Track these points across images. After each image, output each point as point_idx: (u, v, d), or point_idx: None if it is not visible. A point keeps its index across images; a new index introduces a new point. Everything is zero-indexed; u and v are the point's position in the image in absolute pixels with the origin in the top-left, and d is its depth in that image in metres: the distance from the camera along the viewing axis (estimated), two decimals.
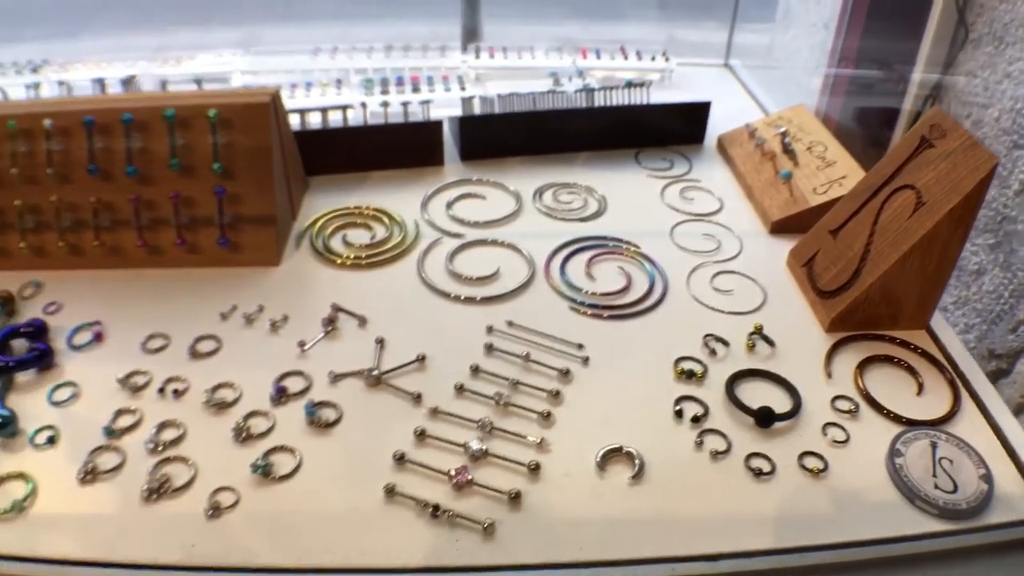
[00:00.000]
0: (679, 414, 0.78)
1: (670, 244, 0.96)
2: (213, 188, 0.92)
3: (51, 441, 0.78)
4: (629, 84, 1.06)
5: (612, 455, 0.74)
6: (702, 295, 0.90)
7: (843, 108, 1.37)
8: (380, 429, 0.77)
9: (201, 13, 1.86)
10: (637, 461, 0.73)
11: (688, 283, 0.92)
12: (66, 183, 0.94)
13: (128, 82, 1.17)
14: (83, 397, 0.82)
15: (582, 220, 0.99)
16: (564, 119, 1.08)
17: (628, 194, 1.04)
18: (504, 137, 1.08)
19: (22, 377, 0.85)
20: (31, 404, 0.80)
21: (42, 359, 0.85)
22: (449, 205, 1.02)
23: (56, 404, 0.82)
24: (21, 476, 0.74)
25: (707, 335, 0.86)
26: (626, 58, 1.22)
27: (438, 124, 1.06)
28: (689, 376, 0.82)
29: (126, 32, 1.52)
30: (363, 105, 1.07)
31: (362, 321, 0.87)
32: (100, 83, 1.20)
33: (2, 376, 0.84)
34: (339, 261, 0.95)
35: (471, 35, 1.73)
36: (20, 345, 0.88)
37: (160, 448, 0.76)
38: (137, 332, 0.88)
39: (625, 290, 0.90)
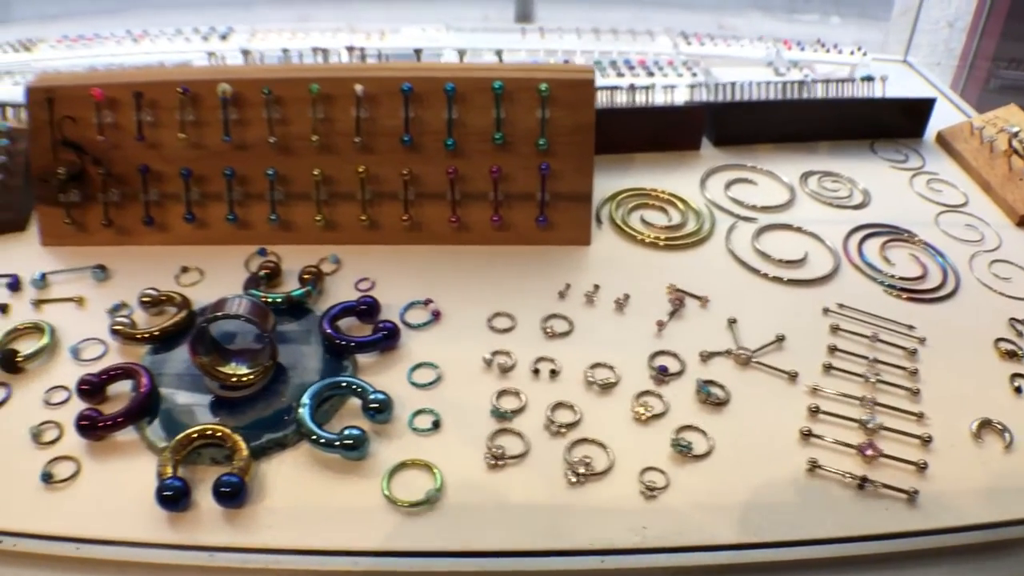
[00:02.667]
0: (1018, 390, 0.84)
1: (939, 233, 1.02)
2: (533, 164, 0.91)
3: (435, 426, 0.76)
4: (868, 78, 1.11)
5: (983, 427, 0.80)
6: (989, 282, 0.97)
7: (978, 106, 1.45)
8: (770, 406, 0.79)
9: None
10: (1006, 434, 0.79)
11: (971, 270, 0.98)
12: (371, 153, 0.90)
13: (321, 54, 1.12)
14: (448, 378, 0.80)
15: (855, 208, 1.04)
16: (806, 109, 1.11)
17: (880, 183, 1.09)
18: (756, 124, 1.11)
19: (362, 358, 0.82)
20: (389, 386, 0.78)
21: (390, 338, 0.82)
22: (727, 187, 1.05)
23: (419, 386, 0.80)
24: (421, 465, 0.72)
25: (1011, 319, 0.92)
26: (828, 51, 1.28)
27: (701, 109, 1.07)
28: (1011, 356, 0.88)
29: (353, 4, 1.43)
30: (612, 89, 1.06)
31: (704, 301, 0.88)
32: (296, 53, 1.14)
33: (347, 356, 0.81)
34: (639, 238, 0.96)
35: (524, 17, 1.74)
36: (348, 323, 0.84)
37: (563, 430, 0.75)
38: (472, 310, 0.87)
39: (923, 276, 0.95)
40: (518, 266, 0.92)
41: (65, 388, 0.80)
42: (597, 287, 0.89)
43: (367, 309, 0.83)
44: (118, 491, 0.71)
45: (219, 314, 0.74)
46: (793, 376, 0.81)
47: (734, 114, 1.09)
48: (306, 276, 0.87)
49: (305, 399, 0.75)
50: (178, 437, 0.72)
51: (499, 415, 0.76)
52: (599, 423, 0.76)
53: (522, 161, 0.91)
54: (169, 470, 0.70)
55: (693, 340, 0.85)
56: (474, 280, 0.90)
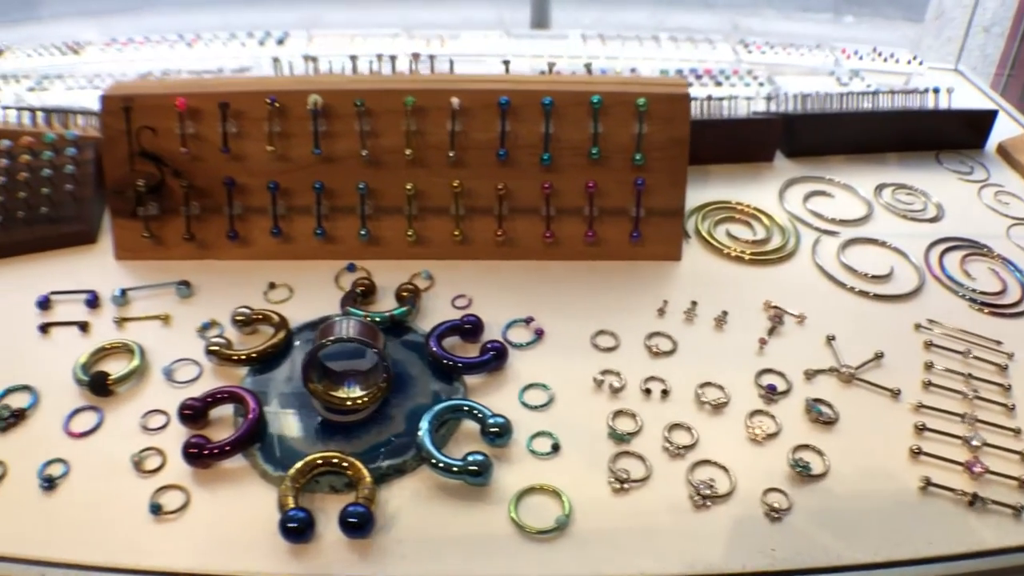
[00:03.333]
0: None
1: (1011, 246, 1.02)
2: (627, 179, 0.89)
3: (555, 449, 0.74)
4: (936, 90, 1.12)
5: None
6: None
7: None
8: (877, 424, 0.79)
9: None
10: None
11: None
12: (463, 167, 0.88)
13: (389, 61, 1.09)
14: (559, 399, 0.79)
15: (930, 221, 1.04)
16: (874, 120, 1.11)
17: (949, 196, 1.09)
18: (827, 135, 1.10)
19: (469, 379, 0.80)
20: (500, 408, 0.76)
21: (500, 359, 0.80)
22: (806, 199, 1.04)
23: (531, 407, 0.78)
24: (549, 490, 0.71)
25: None
26: (884, 60, 1.27)
27: (778, 120, 1.06)
28: None
29: (369, 5, 1.39)
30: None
31: (800, 318, 0.87)
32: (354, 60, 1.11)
33: (456, 377, 0.79)
34: (726, 252, 0.95)
35: (540, 23, 1.72)
36: (450, 343, 0.82)
37: (681, 451, 0.74)
38: (573, 328, 0.85)
39: (1003, 291, 0.95)
40: (611, 282, 0.91)
41: (163, 412, 0.77)
42: (695, 303, 0.88)
43: (472, 328, 0.81)
44: (233, 522, 0.68)
45: (331, 338, 0.72)
46: (896, 393, 0.81)
47: (807, 125, 1.08)
48: (404, 293, 0.85)
49: (424, 423, 0.72)
50: (298, 465, 0.69)
51: (618, 437, 0.75)
52: (715, 444, 0.75)
53: (616, 176, 0.89)
54: (291, 500, 0.67)
55: (794, 357, 0.84)
56: (569, 297, 0.88)
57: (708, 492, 0.71)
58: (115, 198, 0.91)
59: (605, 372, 0.80)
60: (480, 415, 0.74)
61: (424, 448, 0.71)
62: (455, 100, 0.85)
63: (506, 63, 1.05)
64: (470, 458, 0.70)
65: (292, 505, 0.67)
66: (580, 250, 0.91)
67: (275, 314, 0.82)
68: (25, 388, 0.80)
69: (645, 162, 0.89)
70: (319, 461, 0.69)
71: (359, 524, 0.66)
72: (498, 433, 0.73)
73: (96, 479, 0.72)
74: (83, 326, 0.85)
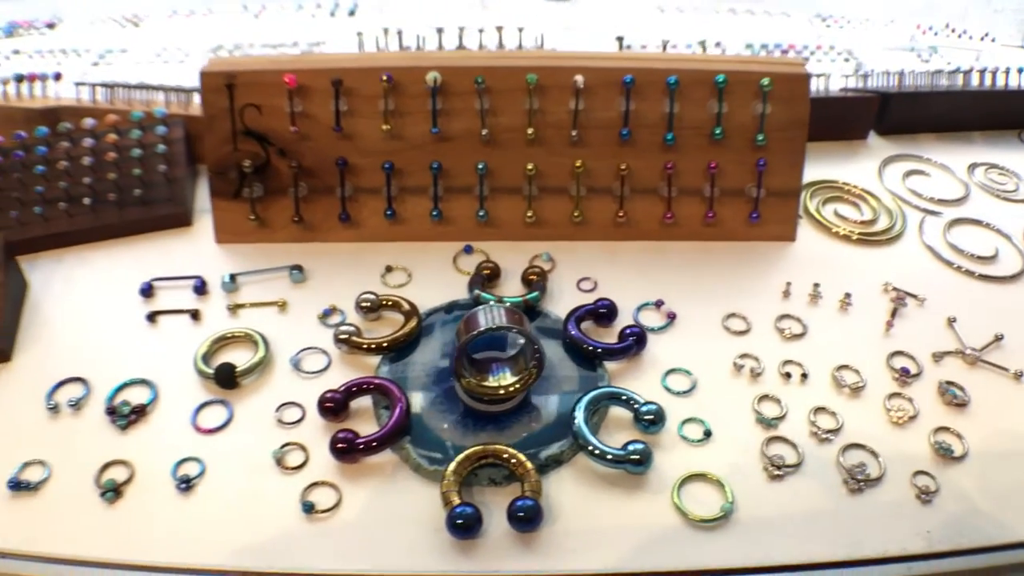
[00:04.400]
0: None
1: None
2: (746, 159, 0.86)
3: (707, 435, 0.72)
4: (1021, 70, 1.10)
5: None
6: None
7: None
8: (1006, 406, 0.77)
9: None
10: None
11: None
12: (583, 147, 0.85)
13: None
14: (701, 384, 0.76)
15: (1022, 202, 1.03)
16: (963, 98, 1.09)
17: None
18: (917, 113, 1.08)
19: (609, 364, 0.78)
20: (643, 393, 0.73)
21: (640, 344, 0.77)
22: (904, 178, 1.02)
23: (675, 393, 0.75)
24: (708, 477, 0.69)
25: None
26: (958, 36, 1.25)
27: (875, 98, 1.04)
28: None
29: None
30: None
31: (920, 300, 0.86)
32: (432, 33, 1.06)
33: (598, 363, 0.76)
34: (834, 231, 0.93)
35: None
36: (584, 327, 0.79)
37: (829, 436, 0.73)
38: (702, 311, 0.83)
39: None
40: (731, 263, 0.88)
41: (297, 405, 0.73)
42: (817, 285, 0.86)
43: (607, 312, 0.78)
44: (391, 519, 0.65)
45: (482, 328, 0.68)
46: (1018, 376, 0.80)
47: (902, 103, 1.06)
48: (531, 276, 0.81)
49: (579, 412, 0.70)
50: (459, 459, 0.66)
51: (766, 422, 0.73)
52: (859, 427, 0.73)
53: (735, 156, 0.86)
54: (456, 496, 0.64)
55: (919, 339, 0.82)
56: (692, 278, 0.86)
57: (861, 476, 0.70)
58: (217, 179, 0.85)
59: (743, 356, 0.78)
60: (633, 402, 0.71)
61: (582, 437, 0.68)
62: (579, 78, 0.81)
63: (620, 39, 1.01)
64: (631, 447, 0.67)
65: (458, 500, 0.64)
66: (698, 231, 0.88)
67: (404, 300, 0.78)
68: (142, 382, 0.75)
69: (766, 143, 0.86)
70: (482, 453, 0.66)
71: (529, 518, 0.63)
72: (652, 421, 0.70)
73: (236, 478, 0.68)
74: (194, 314, 0.80)
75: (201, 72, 0.83)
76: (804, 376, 0.77)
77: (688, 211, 0.87)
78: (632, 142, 0.84)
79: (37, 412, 0.74)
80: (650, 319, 0.81)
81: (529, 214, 0.85)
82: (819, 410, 0.74)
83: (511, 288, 0.83)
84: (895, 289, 0.86)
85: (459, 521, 0.63)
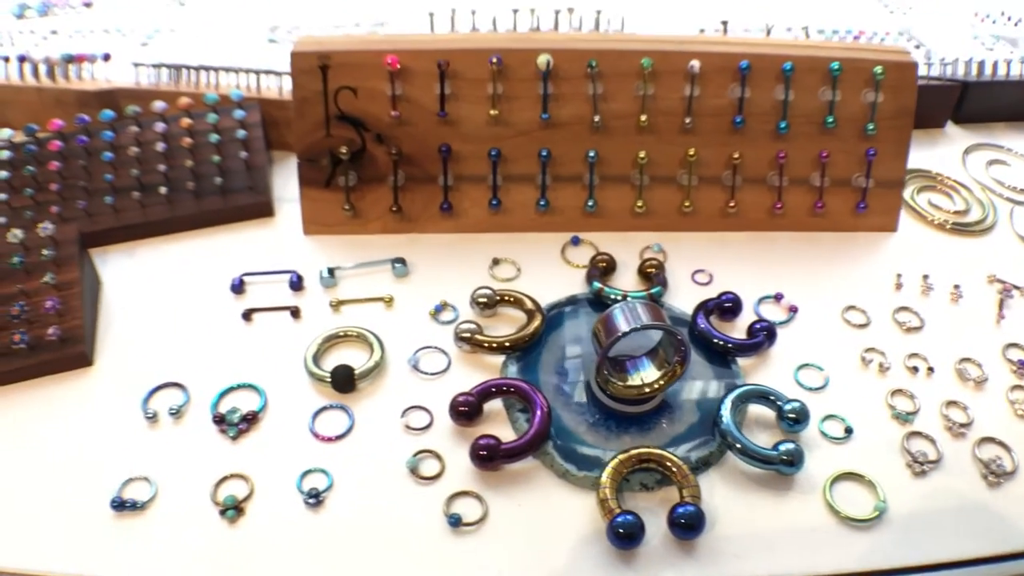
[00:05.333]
0: None
1: None
2: (854, 148, 0.83)
3: (848, 432, 0.69)
4: None
5: None
6: None
7: None
8: None
9: None
10: None
11: None
12: (694, 134, 0.81)
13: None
14: (833, 379, 0.73)
15: None
16: None
17: None
18: (993, 102, 1.06)
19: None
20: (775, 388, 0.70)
21: (771, 339, 0.74)
22: (987, 167, 1.00)
23: (809, 389, 0.72)
24: (857, 476, 0.66)
25: None
26: (1015, 25, 1.24)
27: (957, 87, 1.02)
28: None
29: None
30: None
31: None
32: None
33: (730, 359, 0.72)
34: (929, 219, 0.91)
35: None
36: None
37: (963, 430, 0.70)
38: (817, 303, 0.80)
39: None
40: (837, 254, 0.85)
41: (423, 409, 0.68)
42: (926, 277, 0.83)
43: (731, 307, 0.75)
44: (541, 530, 0.61)
45: (626, 329, 0.63)
46: None
47: (981, 92, 1.04)
48: (649, 269, 0.77)
49: (725, 411, 0.66)
50: (613, 464, 0.62)
51: (901, 417, 0.71)
52: (987, 420, 0.71)
53: (844, 145, 0.83)
54: (615, 504, 0.60)
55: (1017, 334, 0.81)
56: (803, 269, 0.82)
57: (998, 470, 0.68)
58: (307, 167, 0.79)
59: (869, 350, 0.75)
60: (777, 400, 0.68)
61: (731, 436, 0.65)
62: (695, 63, 0.77)
63: (724, 23, 0.96)
64: (782, 447, 0.64)
65: (618, 508, 0.60)
66: (805, 221, 0.85)
67: (526, 296, 0.74)
68: (249, 387, 0.69)
69: (876, 132, 0.83)
70: (637, 458, 0.62)
71: (691, 524, 0.60)
72: (796, 419, 0.67)
73: (368, 490, 0.63)
74: (294, 312, 0.75)
75: (292, 52, 0.77)
76: (931, 370, 0.75)
77: (796, 201, 0.84)
78: (744, 130, 0.81)
79: (133, 422, 0.67)
80: (770, 312, 0.78)
81: (639, 204, 0.81)
82: (950, 404, 0.72)
83: (624, 281, 0.79)
84: (999, 280, 0.85)
85: (621, 530, 0.59)
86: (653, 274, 0.77)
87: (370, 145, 0.79)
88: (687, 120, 0.79)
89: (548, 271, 0.79)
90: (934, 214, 0.92)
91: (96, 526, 0.60)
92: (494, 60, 0.76)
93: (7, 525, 0.60)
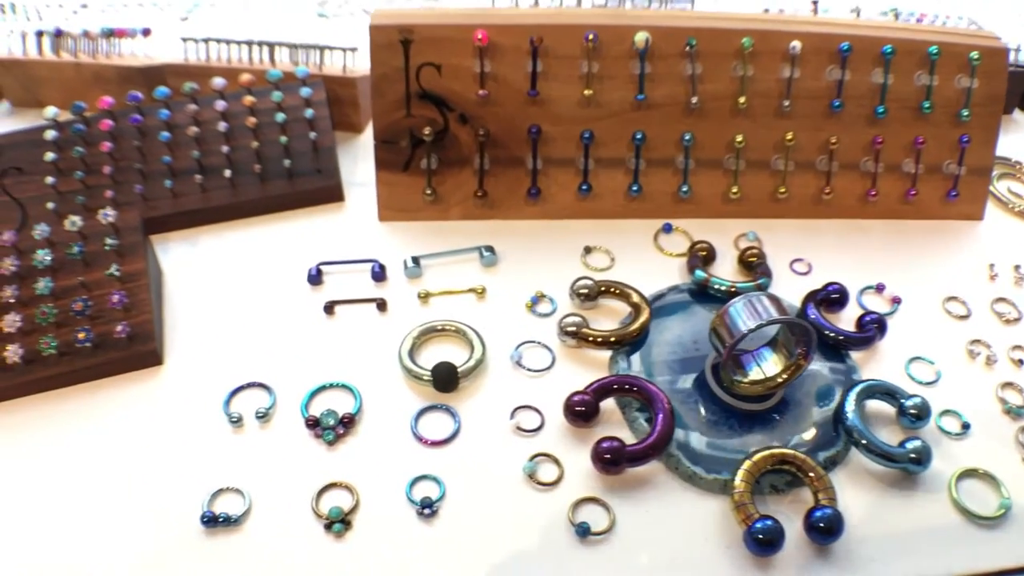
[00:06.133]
0: None
1: None
2: (946, 134, 0.80)
3: (965, 428, 0.66)
4: None
5: None
6: None
7: None
8: None
9: None
10: None
11: None
12: (789, 118, 0.77)
13: None
14: (945, 373, 0.70)
15: None
16: None
17: None
18: None
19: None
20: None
21: (883, 332, 0.70)
22: None
23: (920, 383, 0.69)
24: (977, 472, 0.63)
25: None
26: None
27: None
28: None
29: None
30: None
31: None
32: None
33: (841, 352, 0.69)
34: (1010, 207, 0.88)
35: None
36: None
37: None
38: (915, 292, 0.76)
39: None
40: (928, 243, 0.82)
41: (533, 409, 0.63)
42: (1018, 267, 0.81)
43: (838, 298, 0.71)
44: (673, 538, 0.57)
45: (754, 327, 0.59)
46: None
47: None
48: (751, 258, 0.73)
49: (849, 407, 0.63)
50: (746, 466, 0.58)
51: (1013, 412, 0.68)
52: None
53: (936, 131, 0.79)
54: (753, 508, 0.56)
55: None
56: (897, 258, 0.79)
57: None
58: (384, 149, 0.73)
59: (974, 342, 0.73)
60: (897, 395, 0.65)
61: (857, 433, 0.61)
62: (796, 44, 0.73)
63: (815, 2, 0.92)
64: (909, 445, 0.61)
65: (756, 513, 0.56)
66: (895, 208, 0.81)
67: (631, 289, 0.69)
68: (341, 387, 0.64)
69: (969, 118, 0.80)
70: (771, 460, 0.59)
71: (830, 528, 0.56)
72: (918, 415, 0.64)
73: (483, 498, 0.58)
74: (380, 304, 0.69)
75: (371, 25, 0.70)
76: None
77: (888, 187, 0.80)
78: (841, 114, 0.77)
79: (215, 426, 0.62)
80: (872, 304, 0.75)
81: (734, 190, 0.77)
82: None
83: (722, 271, 0.75)
84: None
85: (762, 536, 0.55)
86: (755, 263, 0.73)
87: (453, 126, 0.73)
88: (785, 103, 0.75)
89: (642, 260, 0.75)
90: (1015, 201, 0.89)
91: (185, 545, 0.54)
92: (590, 37, 0.71)
93: (81, 549, 0.54)
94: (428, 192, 0.74)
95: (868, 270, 0.77)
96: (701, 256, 0.73)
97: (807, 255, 0.78)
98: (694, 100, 0.73)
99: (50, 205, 0.72)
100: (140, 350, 0.64)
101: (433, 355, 0.66)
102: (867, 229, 0.82)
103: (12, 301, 0.65)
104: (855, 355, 0.70)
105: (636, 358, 0.66)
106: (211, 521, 0.55)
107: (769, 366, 0.64)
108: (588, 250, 0.75)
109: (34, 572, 0.53)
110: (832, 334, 0.69)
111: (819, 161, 0.78)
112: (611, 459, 0.58)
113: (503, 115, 0.73)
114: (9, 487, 0.58)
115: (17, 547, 0.54)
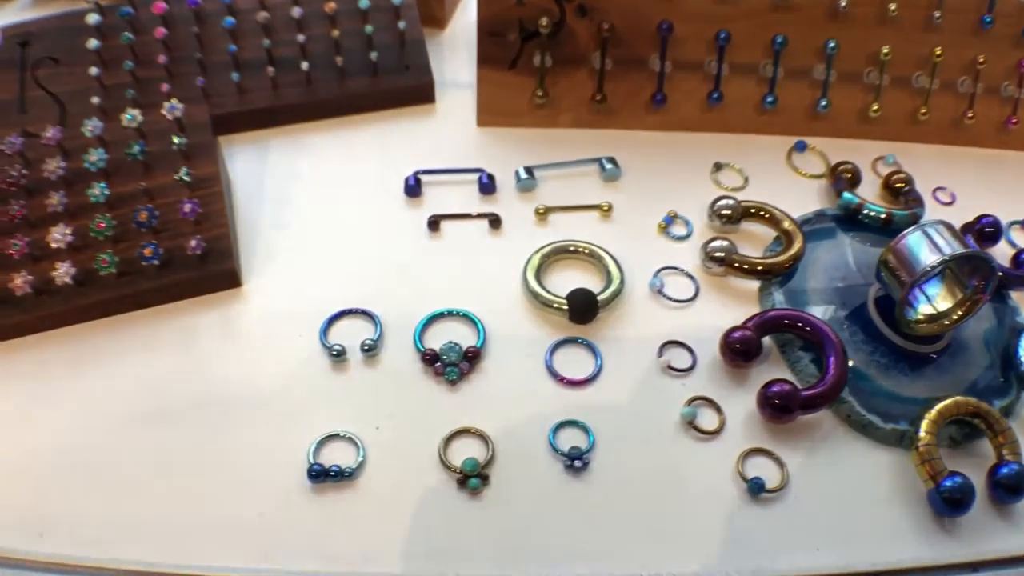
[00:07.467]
0: None
1: None
2: None
3: None
4: None
5: None
6: None
7: None
8: None
9: None
10: None
11: None
12: (937, 33, 0.67)
13: None
14: None
15: None
16: None
17: None
18: None
19: None
20: None
21: None
22: None
23: None
24: None
25: None
26: None
27: None
28: None
29: None
30: None
31: None
32: None
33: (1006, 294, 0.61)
34: None
35: None
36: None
37: None
38: None
39: None
40: None
41: (683, 346, 0.54)
42: None
43: (992, 232, 0.63)
44: (849, 495, 0.50)
45: (938, 262, 0.51)
46: None
47: None
48: (898, 184, 0.64)
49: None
50: (931, 416, 0.51)
51: None
52: None
53: None
54: (940, 464, 0.49)
55: None
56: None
57: None
58: (489, 42, 0.62)
59: None
60: None
61: None
62: None
63: None
64: None
65: (945, 470, 0.49)
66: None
67: (779, 211, 0.60)
68: (459, 315, 0.54)
69: None
70: (956, 408, 0.51)
71: (1018, 487, 0.50)
72: None
73: (638, 448, 0.50)
74: (494, 220, 0.59)
75: None
76: None
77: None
78: (990, 32, 0.68)
79: (312, 360, 0.52)
80: (1020, 239, 0.67)
81: (875, 107, 0.67)
82: None
83: (864, 196, 0.66)
84: None
85: (950, 495, 0.48)
86: (903, 190, 0.64)
87: (570, 18, 0.62)
88: (936, 14, 0.65)
89: (776, 179, 0.66)
90: None
91: (292, 503, 0.45)
92: None
93: (161, 512, 0.45)
94: (539, 94, 0.63)
95: (1009, 203, 0.69)
96: (847, 178, 0.64)
97: (948, 184, 0.70)
98: (843, 3, 0.63)
99: (95, 100, 0.59)
100: (216, 269, 0.54)
101: (559, 281, 0.57)
102: (1004, 160, 0.73)
103: (60, 210, 0.53)
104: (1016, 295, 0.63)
105: (791, 291, 0.58)
106: (320, 475, 0.46)
107: (940, 302, 0.56)
108: (718, 167, 0.65)
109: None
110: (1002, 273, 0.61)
111: (961, 82, 0.69)
112: (782, 405, 0.50)
113: (628, 9, 0.62)
114: (65, 429, 0.48)
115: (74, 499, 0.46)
